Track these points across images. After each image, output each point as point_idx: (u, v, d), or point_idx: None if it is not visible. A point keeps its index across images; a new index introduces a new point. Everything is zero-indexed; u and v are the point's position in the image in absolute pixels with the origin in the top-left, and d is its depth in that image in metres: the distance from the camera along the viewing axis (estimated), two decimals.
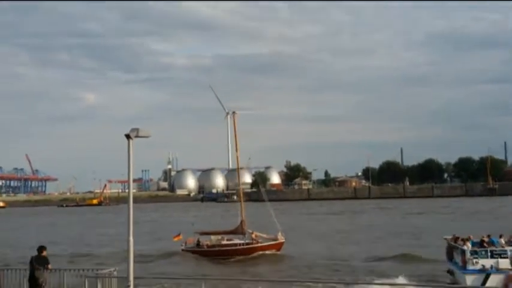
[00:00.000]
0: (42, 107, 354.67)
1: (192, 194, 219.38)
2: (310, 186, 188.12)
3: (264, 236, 39.09)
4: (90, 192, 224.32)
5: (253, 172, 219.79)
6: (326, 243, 43.66)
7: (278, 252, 38.11)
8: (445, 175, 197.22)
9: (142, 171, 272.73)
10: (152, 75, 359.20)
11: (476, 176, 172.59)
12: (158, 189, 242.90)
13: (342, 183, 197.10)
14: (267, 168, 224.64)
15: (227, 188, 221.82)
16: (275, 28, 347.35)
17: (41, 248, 16.41)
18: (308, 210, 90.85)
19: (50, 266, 16.16)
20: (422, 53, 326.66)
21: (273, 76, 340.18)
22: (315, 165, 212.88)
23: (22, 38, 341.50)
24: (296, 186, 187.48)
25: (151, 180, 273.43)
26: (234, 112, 43.17)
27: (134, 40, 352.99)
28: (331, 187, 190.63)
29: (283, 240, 38.46)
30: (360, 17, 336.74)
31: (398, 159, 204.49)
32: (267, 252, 37.97)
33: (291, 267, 33.13)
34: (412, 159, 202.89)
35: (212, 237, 39.58)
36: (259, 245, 38.34)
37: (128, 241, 11.56)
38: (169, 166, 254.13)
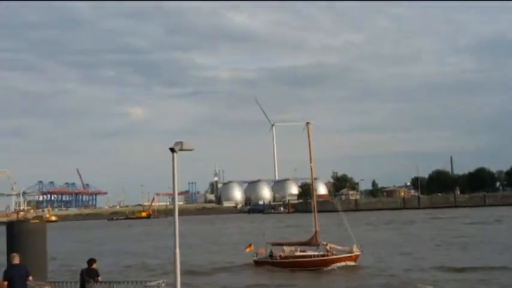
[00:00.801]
0: (91, 122, 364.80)
1: (238, 206, 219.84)
2: (358, 197, 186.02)
3: (339, 247, 37.78)
4: (139, 205, 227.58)
5: (300, 183, 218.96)
6: (399, 255, 42.57)
7: (354, 264, 36.75)
8: (497, 184, 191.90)
9: (189, 183, 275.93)
10: (197, 89, 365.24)
11: None
12: (205, 202, 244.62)
13: (390, 193, 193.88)
14: (314, 179, 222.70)
15: (274, 200, 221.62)
16: (317, 38, 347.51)
17: (91, 261, 16.71)
18: (360, 220, 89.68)
19: (100, 278, 16.44)
20: (469, 59, 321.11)
21: (316, 87, 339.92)
22: (362, 176, 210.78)
23: (68, 55, 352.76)
24: (343, 197, 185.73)
25: (198, 192, 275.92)
26: (308, 123, 41.97)
27: (178, 54, 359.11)
28: (379, 197, 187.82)
29: (359, 253, 37.05)
30: (402, 23, 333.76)
31: (448, 168, 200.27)
32: (342, 264, 36.62)
33: (365, 279, 32.33)
34: (463, 167, 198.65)
35: (285, 248, 38.51)
36: (335, 257, 37.03)
37: (174, 253, 11.66)
38: (216, 178, 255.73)
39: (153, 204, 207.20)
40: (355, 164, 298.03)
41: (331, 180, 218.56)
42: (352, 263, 36.66)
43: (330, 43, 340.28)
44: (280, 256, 37.77)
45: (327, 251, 37.30)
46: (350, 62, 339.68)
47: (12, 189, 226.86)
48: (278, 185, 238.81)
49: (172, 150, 11.81)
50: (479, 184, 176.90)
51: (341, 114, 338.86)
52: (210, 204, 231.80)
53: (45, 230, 19.84)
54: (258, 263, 38.05)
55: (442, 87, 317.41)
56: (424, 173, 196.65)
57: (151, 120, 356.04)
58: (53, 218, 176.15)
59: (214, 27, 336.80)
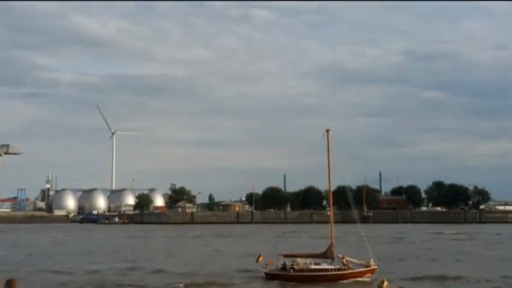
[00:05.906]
0: None
1: (71, 215, 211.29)
2: (194, 210, 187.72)
3: (356, 261, 36.35)
4: None
5: (136, 194, 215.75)
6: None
7: (369, 280, 35.42)
8: (324, 202, 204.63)
9: (18, 189, 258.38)
10: (36, 91, 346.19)
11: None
12: (35, 210, 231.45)
13: (226, 207, 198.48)
14: (151, 190, 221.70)
15: (109, 210, 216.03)
16: (166, 50, 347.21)
17: None
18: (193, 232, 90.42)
19: None
20: (308, 85, 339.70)
21: (162, 98, 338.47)
22: (200, 189, 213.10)
23: None
24: (180, 209, 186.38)
25: (27, 199, 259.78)
26: (327, 130, 40.34)
27: (18, 53, 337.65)
28: (215, 211, 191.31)
29: (376, 267, 35.73)
30: (250, 45, 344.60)
31: (282, 186, 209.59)
32: (360, 279, 35.37)
33: None
34: (295, 186, 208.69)
35: (299, 260, 36.32)
36: (352, 271, 35.59)
37: None
38: (48, 185, 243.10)
39: None
40: (194, 178, 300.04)
41: (169, 192, 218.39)
42: (369, 278, 35.50)
43: (179, 56, 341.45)
44: (293, 269, 35.64)
45: (343, 264, 35.95)
46: (198, 76, 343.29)
47: None
48: (114, 195, 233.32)
49: None
50: (308, 202, 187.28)
51: (186, 127, 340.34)
52: (39, 212, 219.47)
53: None
54: (269, 276, 35.90)
55: (283, 109, 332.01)
56: (259, 189, 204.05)
57: None
58: None
59: (59, 29, 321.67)
